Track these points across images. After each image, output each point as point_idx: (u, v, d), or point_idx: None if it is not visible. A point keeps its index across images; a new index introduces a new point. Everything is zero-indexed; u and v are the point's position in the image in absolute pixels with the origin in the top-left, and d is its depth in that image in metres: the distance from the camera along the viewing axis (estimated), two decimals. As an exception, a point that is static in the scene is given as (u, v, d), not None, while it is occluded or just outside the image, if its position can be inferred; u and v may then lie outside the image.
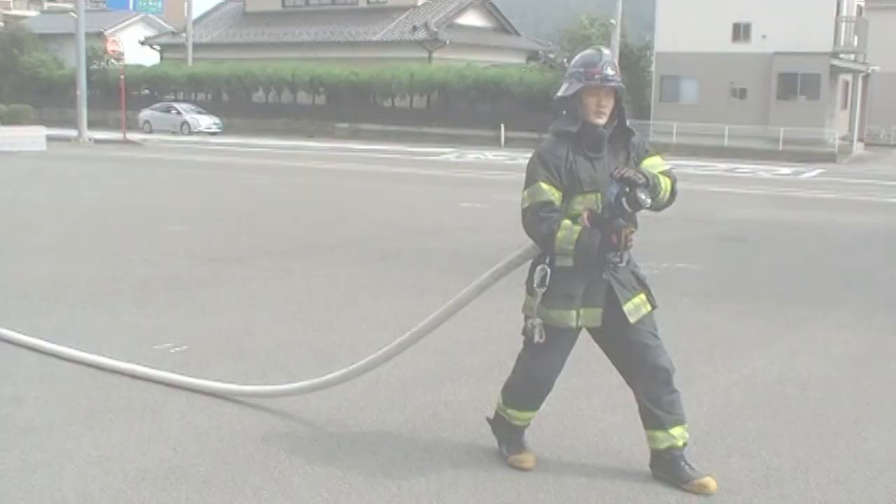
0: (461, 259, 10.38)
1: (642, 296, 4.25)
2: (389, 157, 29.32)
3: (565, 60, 41.46)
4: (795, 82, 37.67)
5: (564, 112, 4.24)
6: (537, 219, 4.13)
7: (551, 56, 45.62)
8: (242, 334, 6.87)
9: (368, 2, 48.34)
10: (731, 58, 37.64)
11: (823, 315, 8.13)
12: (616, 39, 36.86)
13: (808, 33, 36.09)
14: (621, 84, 4.20)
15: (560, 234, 4.08)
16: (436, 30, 43.79)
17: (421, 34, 44.11)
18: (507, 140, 38.14)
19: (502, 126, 38.50)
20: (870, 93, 43.78)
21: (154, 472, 4.28)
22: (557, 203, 4.13)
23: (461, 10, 46.74)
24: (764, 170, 29.03)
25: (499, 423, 4.52)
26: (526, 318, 4.28)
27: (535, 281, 4.20)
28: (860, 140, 41.01)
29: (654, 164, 4.28)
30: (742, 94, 38.43)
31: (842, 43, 38.51)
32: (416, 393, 5.52)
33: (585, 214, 4.10)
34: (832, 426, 5.14)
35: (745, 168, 29.36)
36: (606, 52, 4.28)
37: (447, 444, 4.73)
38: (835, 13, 37.60)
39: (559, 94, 4.26)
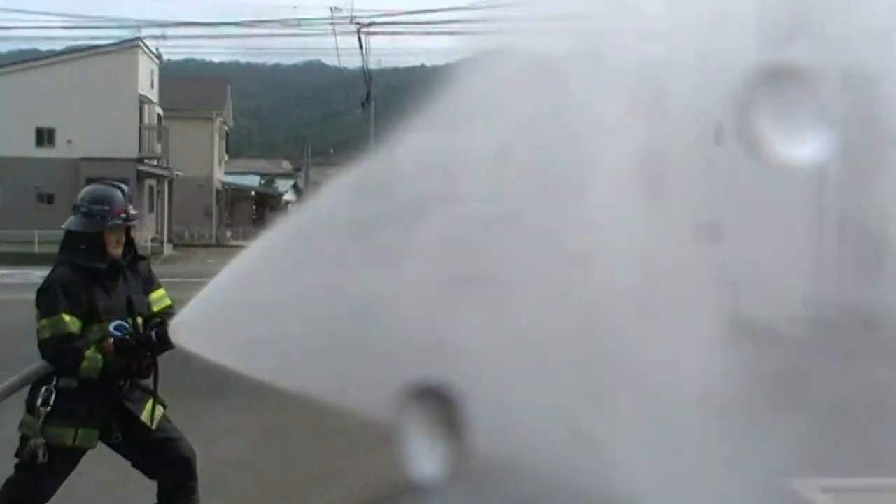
0: None
1: (152, 401, 4.44)
2: None
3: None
4: (107, 186, 38.18)
5: (83, 246, 4.33)
6: (60, 351, 4.21)
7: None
8: None
9: None
10: (36, 162, 37.48)
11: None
12: None
13: (115, 139, 37.41)
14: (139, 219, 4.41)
15: (85, 364, 4.18)
16: None
17: None
18: None
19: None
20: (175, 196, 45.00)
21: None
22: (78, 332, 4.22)
23: None
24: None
25: None
26: (23, 438, 4.26)
27: (40, 400, 4.21)
28: (170, 241, 41.47)
29: (160, 296, 4.62)
30: (50, 199, 37.19)
31: (146, 149, 40.73)
32: None
33: (108, 343, 4.24)
34: None
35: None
36: (125, 187, 4.50)
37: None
38: (138, 121, 39.81)
39: (73, 228, 4.35)
